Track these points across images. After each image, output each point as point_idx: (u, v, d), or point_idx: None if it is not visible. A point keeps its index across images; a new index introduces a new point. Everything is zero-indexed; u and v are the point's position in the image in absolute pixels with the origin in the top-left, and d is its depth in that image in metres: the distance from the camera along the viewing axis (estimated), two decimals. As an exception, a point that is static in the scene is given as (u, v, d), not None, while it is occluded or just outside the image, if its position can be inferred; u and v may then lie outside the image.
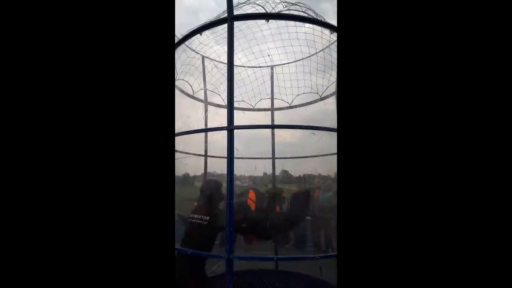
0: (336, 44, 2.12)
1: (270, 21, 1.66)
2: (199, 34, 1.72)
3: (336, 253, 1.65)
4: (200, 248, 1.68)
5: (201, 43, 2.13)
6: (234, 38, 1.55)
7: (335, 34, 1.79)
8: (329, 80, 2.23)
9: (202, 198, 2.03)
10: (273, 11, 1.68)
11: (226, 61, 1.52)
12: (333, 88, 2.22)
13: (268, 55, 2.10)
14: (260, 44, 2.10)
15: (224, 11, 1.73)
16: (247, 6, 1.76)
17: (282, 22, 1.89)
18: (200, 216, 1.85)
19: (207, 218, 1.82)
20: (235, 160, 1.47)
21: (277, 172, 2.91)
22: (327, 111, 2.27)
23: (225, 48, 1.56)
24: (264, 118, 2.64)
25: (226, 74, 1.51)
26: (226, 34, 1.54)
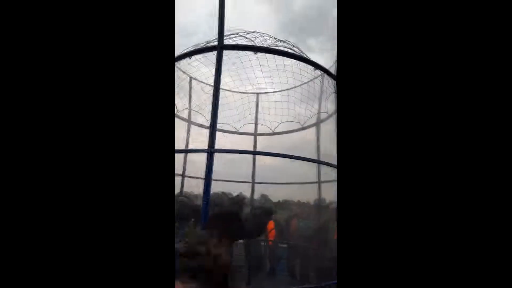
0: (319, 79, 2.27)
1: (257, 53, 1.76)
2: (188, 58, 1.78)
3: (311, 286, 1.62)
4: None
5: (189, 64, 2.20)
6: (223, 64, 1.63)
7: (318, 71, 1.92)
8: (311, 112, 2.36)
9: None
10: (262, 45, 1.80)
11: (213, 84, 1.57)
12: (314, 119, 2.34)
13: (254, 85, 2.20)
14: (248, 73, 2.20)
15: (214, 38, 1.82)
16: (238, 37, 1.86)
17: (269, 54, 2.02)
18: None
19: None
20: (213, 182, 1.47)
21: (256, 196, 2.89)
22: (308, 140, 2.36)
23: (213, 71, 1.62)
24: (247, 142, 2.69)
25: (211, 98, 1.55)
26: (214, 58, 1.61)
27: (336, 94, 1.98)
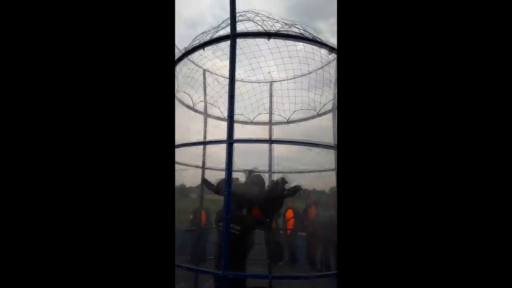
0: (333, 63, 2.20)
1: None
2: (202, 50, 1.76)
3: (331, 272, 1.62)
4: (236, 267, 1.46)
5: (201, 55, 2.18)
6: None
7: (333, 54, 1.86)
8: (326, 98, 2.29)
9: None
10: (272, 30, 1.74)
11: (226, 75, 1.56)
12: (330, 105, 2.28)
13: (268, 73, 2.15)
14: (260, 61, 2.15)
15: (222, 22, 1.77)
16: (248, 22, 1.81)
17: (280, 40, 1.95)
18: (231, 225, 1.62)
19: (238, 227, 1.65)
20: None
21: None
22: (324, 127, 2.31)
23: (225, 62, 1.60)
24: (262, 132, 2.67)
25: (226, 88, 1.54)
26: (225, 48, 1.59)
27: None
